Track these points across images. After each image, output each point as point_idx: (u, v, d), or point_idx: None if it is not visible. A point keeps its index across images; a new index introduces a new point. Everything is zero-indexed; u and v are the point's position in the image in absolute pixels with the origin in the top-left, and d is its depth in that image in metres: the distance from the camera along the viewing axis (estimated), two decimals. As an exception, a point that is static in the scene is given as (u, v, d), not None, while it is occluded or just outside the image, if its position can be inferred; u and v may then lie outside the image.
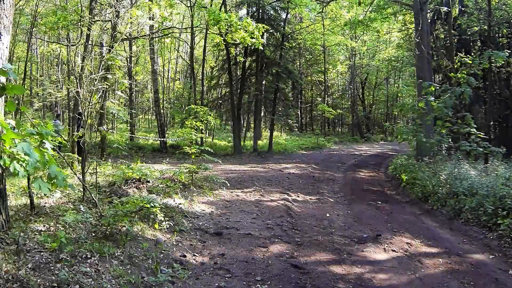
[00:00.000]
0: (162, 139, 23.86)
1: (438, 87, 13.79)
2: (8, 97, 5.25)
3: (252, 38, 13.51)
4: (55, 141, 7.17)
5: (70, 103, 23.93)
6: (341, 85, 53.57)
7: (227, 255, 7.12)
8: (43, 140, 4.40)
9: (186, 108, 23.02)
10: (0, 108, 5.68)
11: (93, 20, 15.46)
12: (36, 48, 34.11)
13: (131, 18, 11.15)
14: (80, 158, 9.33)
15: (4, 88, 4.22)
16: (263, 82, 28.91)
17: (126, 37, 16.33)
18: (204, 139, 24.92)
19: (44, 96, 28.18)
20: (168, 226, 8.03)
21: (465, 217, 9.70)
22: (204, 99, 29.46)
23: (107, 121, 22.95)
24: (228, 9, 25.51)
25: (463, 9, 23.98)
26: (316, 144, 31.61)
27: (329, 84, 47.48)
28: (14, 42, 23.52)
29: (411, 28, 27.32)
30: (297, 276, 6.28)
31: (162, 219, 7.85)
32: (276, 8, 27.08)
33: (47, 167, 4.24)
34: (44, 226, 6.62)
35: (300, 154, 26.68)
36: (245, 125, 34.81)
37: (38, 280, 4.82)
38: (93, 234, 6.70)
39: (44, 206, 7.81)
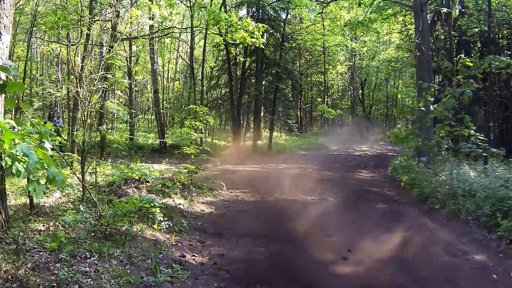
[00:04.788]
0: (162, 139, 23.86)
1: (438, 88, 13.78)
2: (8, 94, 5.24)
3: (252, 38, 13.51)
4: (54, 140, 7.15)
5: (70, 102, 23.93)
6: (341, 86, 53.54)
7: (227, 256, 7.12)
8: (43, 140, 4.39)
9: (186, 108, 23.01)
10: None
11: (93, 20, 15.43)
12: (36, 48, 34.07)
13: (131, 18, 11.14)
14: (80, 158, 9.34)
15: (4, 85, 4.20)
16: (263, 83, 28.92)
17: (126, 37, 16.33)
18: (203, 139, 24.90)
19: (44, 96, 28.18)
20: (167, 226, 8.03)
21: (464, 218, 9.69)
22: (203, 99, 29.47)
23: (107, 121, 22.94)
24: (228, 9, 25.53)
25: (463, 10, 24.04)
26: (315, 145, 31.63)
27: (329, 85, 47.48)
28: (14, 41, 23.47)
29: (411, 29, 27.32)
30: (297, 276, 6.28)
31: (162, 219, 7.85)
32: (276, 8, 27.11)
33: (46, 167, 4.23)
34: (43, 225, 6.61)
35: (300, 155, 26.68)
36: (244, 125, 34.80)
37: (38, 280, 4.82)
38: (93, 234, 6.69)
39: (44, 205, 7.81)
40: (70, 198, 8.61)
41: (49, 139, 4.47)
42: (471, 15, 23.03)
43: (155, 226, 7.77)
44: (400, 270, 6.76)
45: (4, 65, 4.21)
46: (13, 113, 19.93)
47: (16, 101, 4.78)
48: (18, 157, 3.84)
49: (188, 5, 25.26)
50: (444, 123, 12.96)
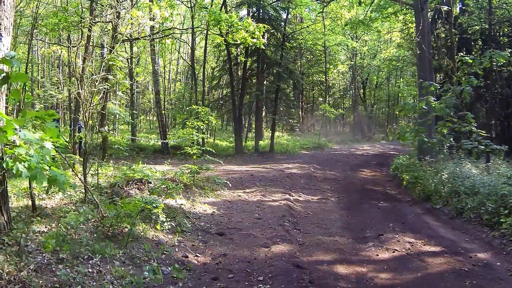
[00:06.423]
0: (163, 140, 23.84)
1: (439, 87, 13.77)
2: (12, 87, 5.20)
3: (253, 38, 13.50)
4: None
5: (71, 104, 23.96)
6: (342, 85, 53.48)
7: (229, 255, 7.12)
8: (45, 124, 4.35)
9: (188, 108, 23.01)
10: (1, 101, 5.66)
11: (94, 21, 15.43)
12: (37, 50, 34.10)
13: (131, 19, 11.15)
14: (82, 159, 9.34)
15: (8, 77, 4.18)
16: (264, 83, 28.91)
17: (126, 38, 16.32)
18: (205, 140, 24.91)
19: (45, 98, 28.21)
20: (170, 226, 8.03)
21: (467, 216, 9.68)
22: (205, 100, 29.47)
23: (108, 122, 22.93)
24: (228, 10, 25.50)
25: (463, 8, 23.98)
26: (317, 144, 31.58)
27: (330, 84, 47.41)
28: (15, 43, 23.51)
29: (411, 27, 27.29)
30: (299, 276, 6.27)
31: (164, 219, 7.85)
32: (277, 8, 27.05)
33: (49, 166, 4.21)
34: (45, 227, 6.62)
35: (302, 154, 26.67)
36: (246, 125, 34.81)
37: (40, 281, 4.82)
38: (95, 235, 6.69)
39: (46, 207, 7.82)
40: (72, 199, 8.61)
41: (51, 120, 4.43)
42: (472, 13, 22.97)
43: (157, 227, 7.78)
44: (403, 269, 6.75)
45: (6, 57, 4.18)
46: (14, 114, 19.95)
47: (18, 104, 4.76)
48: (20, 157, 3.83)
49: (189, 5, 25.26)
50: (446, 120, 12.97)
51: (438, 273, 6.54)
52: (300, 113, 43.66)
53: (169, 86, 43.85)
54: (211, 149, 13.31)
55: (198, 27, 25.64)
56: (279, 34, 27.36)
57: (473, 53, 21.11)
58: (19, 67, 4.57)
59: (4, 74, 4.19)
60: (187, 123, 13.18)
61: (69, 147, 15.37)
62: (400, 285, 6.11)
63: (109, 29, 15.86)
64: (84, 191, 8.63)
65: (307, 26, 34.17)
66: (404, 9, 25.00)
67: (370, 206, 11.85)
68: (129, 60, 27.17)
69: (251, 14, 26.98)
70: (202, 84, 29.56)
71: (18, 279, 4.72)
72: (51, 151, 4.29)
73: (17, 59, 4.25)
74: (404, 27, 30.75)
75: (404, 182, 14.67)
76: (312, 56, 42.89)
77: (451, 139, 13.66)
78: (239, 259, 6.93)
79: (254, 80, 28.49)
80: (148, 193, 10.02)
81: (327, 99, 44.10)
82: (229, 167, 18.66)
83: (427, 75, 16.99)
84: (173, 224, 8.22)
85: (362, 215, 10.84)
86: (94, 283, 5.18)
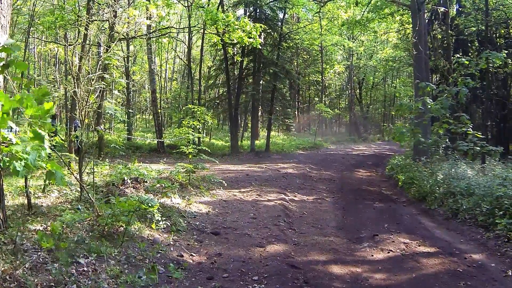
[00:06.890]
0: (159, 139, 23.82)
1: (435, 88, 13.80)
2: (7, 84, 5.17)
3: (249, 38, 13.52)
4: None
5: (68, 102, 23.91)
6: (339, 85, 53.58)
7: (224, 255, 7.12)
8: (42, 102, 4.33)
9: (184, 107, 22.99)
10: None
11: (91, 19, 15.42)
12: (34, 48, 34.02)
13: (128, 18, 11.13)
14: (78, 158, 9.32)
15: (7, 65, 4.16)
16: (261, 82, 28.93)
17: (123, 37, 16.31)
18: (201, 139, 24.91)
19: (41, 96, 28.10)
20: (165, 226, 8.02)
21: (462, 217, 9.70)
22: (201, 99, 29.46)
23: (104, 120, 22.90)
24: (225, 9, 25.50)
25: (460, 9, 24.04)
26: (313, 144, 31.63)
27: (326, 84, 47.45)
28: (11, 41, 23.39)
29: (408, 28, 27.32)
30: (294, 276, 6.28)
31: (159, 219, 7.85)
32: (274, 8, 27.08)
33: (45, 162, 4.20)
34: (41, 225, 6.61)
35: (297, 154, 26.70)
36: (242, 125, 34.80)
37: (35, 280, 4.81)
38: (90, 234, 6.68)
39: (41, 206, 7.80)
40: (67, 198, 8.61)
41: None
42: (469, 14, 23.05)
43: (153, 226, 7.77)
44: (398, 269, 6.77)
45: (5, 45, 4.16)
46: (11, 113, 19.86)
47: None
48: (17, 154, 3.81)
49: (186, 5, 25.26)
50: (442, 121, 13.00)
51: (433, 274, 6.56)
52: (296, 113, 43.71)
53: (165, 85, 43.81)
54: (206, 148, 13.30)
55: (194, 26, 25.64)
56: (275, 33, 27.39)
57: (470, 54, 21.17)
58: (18, 55, 4.55)
59: (4, 62, 4.17)
60: (183, 122, 13.17)
61: (65, 146, 15.34)
62: (394, 285, 6.13)
63: (105, 28, 15.86)
64: (79, 189, 8.62)
65: (304, 26, 34.25)
66: (401, 10, 25.06)
67: (365, 207, 11.88)
68: (125, 58, 27.13)
69: (248, 13, 27.01)
70: (199, 83, 29.58)
71: (14, 278, 4.71)
72: (47, 148, 4.29)
73: (16, 45, 4.23)
74: (401, 28, 30.79)
75: (400, 183, 14.71)
76: (308, 56, 42.95)
77: (447, 140, 13.69)
78: (234, 259, 6.93)
79: (250, 80, 28.50)
80: (144, 192, 10.01)
81: (323, 99, 44.12)
82: (225, 167, 18.67)
83: (423, 76, 17.04)
84: (168, 223, 8.22)
85: (357, 215, 10.86)
86: (89, 282, 5.18)
